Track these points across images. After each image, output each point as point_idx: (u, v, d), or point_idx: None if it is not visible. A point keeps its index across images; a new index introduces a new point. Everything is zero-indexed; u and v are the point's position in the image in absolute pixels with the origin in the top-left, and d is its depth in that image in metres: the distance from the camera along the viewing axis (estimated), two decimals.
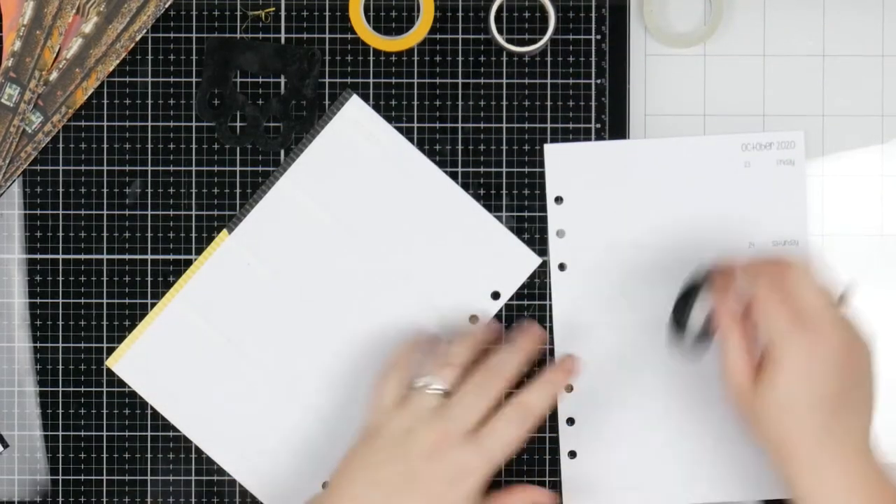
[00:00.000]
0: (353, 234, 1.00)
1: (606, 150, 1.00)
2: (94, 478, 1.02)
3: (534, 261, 1.01)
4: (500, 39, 1.00)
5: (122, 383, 1.01)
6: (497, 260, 1.01)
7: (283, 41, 1.01)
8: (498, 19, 1.01)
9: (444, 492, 0.90)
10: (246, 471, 1.00)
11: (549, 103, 1.01)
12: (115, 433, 1.01)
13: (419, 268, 1.00)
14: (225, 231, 1.01)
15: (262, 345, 1.00)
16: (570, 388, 1.00)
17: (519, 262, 1.01)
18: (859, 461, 0.89)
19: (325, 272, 1.00)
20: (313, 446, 1.01)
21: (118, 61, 1.01)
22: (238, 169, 1.01)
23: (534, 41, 1.01)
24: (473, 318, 1.00)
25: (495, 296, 1.01)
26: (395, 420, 0.92)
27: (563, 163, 1.00)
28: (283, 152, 1.01)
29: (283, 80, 1.01)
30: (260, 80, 1.01)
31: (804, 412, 0.89)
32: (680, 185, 1.00)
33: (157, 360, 1.01)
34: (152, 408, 1.01)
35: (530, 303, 1.01)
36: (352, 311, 1.00)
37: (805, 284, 0.90)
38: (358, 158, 1.01)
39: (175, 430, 1.01)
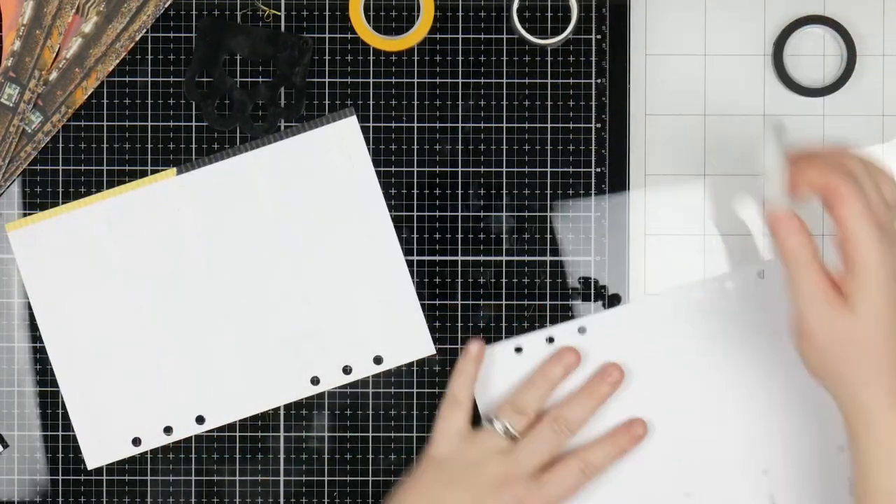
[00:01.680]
0: (281, 234, 1.00)
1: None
2: (94, 478, 1.01)
3: (428, 349, 1.01)
4: (523, 31, 1.00)
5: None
6: (395, 331, 1.01)
7: None
8: (504, 18, 1.01)
9: None
10: (80, 395, 1.01)
11: (549, 103, 1.01)
12: None
13: (318, 304, 1.01)
14: (173, 170, 1.01)
15: (146, 288, 1.00)
16: None
17: (414, 343, 1.01)
18: None
19: (238, 254, 1.01)
20: (158, 390, 1.01)
21: (118, 61, 1.01)
22: None
23: (552, 35, 1.01)
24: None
25: (377, 360, 1.01)
26: (465, 451, 0.98)
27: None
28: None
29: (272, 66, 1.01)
30: (250, 65, 1.01)
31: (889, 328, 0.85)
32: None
33: (50, 248, 1.00)
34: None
35: None
36: (238, 301, 1.01)
37: (867, 179, 0.86)
38: (325, 171, 1.01)
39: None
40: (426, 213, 1.02)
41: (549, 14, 1.01)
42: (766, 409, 1.00)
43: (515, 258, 1.02)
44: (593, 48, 1.02)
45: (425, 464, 0.98)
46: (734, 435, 1.00)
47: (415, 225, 1.02)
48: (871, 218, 0.86)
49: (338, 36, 1.02)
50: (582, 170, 1.02)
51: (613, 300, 1.02)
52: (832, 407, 0.89)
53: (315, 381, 1.01)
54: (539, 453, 0.97)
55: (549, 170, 1.02)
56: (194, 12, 1.01)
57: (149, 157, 1.01)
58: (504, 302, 1.02)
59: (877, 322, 0.85)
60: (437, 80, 1.02)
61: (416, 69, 1.02)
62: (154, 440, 1.01)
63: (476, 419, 1.00)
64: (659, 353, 1.01)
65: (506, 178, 1.02)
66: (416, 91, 1.02)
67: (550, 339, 1.01)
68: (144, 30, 1.01)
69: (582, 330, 1.01)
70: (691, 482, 1.00)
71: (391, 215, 1.01)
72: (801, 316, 0.87)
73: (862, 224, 0.85)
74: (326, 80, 1.02)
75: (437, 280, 1.02)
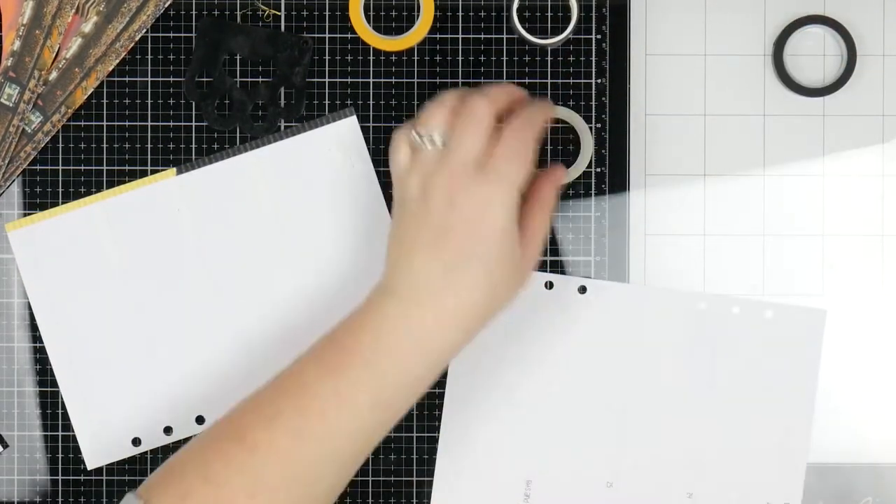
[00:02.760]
0: (281, 234, 1.00)
1: None
2: (93, 478, 1.01)
3: None
4: (523, 31, 1.00)
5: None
6: None
7: None
8: (504, 18, 1.01)
9: (479, 229, 0.88)
10: (80, 395, 1.01)
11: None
12: None
13: (318, 304, 1.01)
14: (173, 170, 1.01)
15: (146, 288, 1.00)
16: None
17: None
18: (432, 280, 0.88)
19: (238, 254, 1.01)
20: (161, 390, 1.01)
21: (118, 61, 1.01)
22: None
23: (552, 35, 1.01)
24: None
25: None
26: (409, 183, 0.91)
27: None
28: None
29: (272, 66, 1.01)
30: (250, 65, 1.01)
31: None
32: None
33: (50, 248, 1.00)
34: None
35: None
36: (237, 301, 1.01)
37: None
38: (325, 171, 1.01)
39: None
40: None
41: (549, 14, 1.01)
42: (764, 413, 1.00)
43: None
44: (593, 48, 1.02)
45: (396, 211, 0.92)
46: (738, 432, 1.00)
47: None
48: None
49: (338, 36, 1.02)
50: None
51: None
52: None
53: None
54: (469, 142, 0.89)
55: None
56: (194, 12, 1.01)
57: (149, 157, 1.01)
58: None
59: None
60: (437, 80, 1.02)
61: (416, 69, 1.02)
62: (154, 440, 1.01)
63: None
64: (654, 341, 1.01)
65: None
66: (416, 91, 1.02)
67: (549, 285, 1.01)
68: (144, 30, 1.01)
69: (582, 289, 1.01)
70: (693, 482, 1.00)
71: (391, 216, 1.01)
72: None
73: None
74: (326, 80, 1.02)
75: None
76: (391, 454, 1.02)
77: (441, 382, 1.01)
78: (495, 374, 1.01)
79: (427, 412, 1.02)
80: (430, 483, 1.02)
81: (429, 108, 0.92)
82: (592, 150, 1.01)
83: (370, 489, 1.02)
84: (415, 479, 1.02)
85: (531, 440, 1.01)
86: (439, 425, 1.01)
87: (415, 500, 1.02)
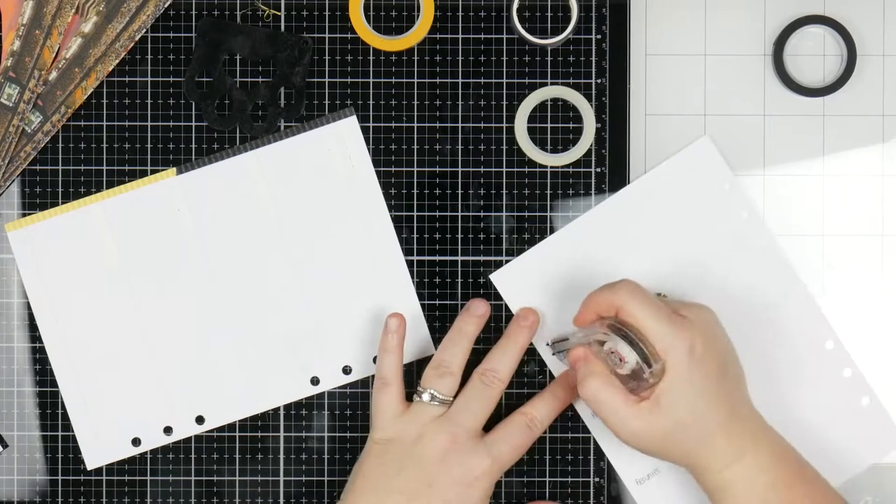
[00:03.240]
0: (281, 234, 1.01)
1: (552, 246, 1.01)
2: (93, 478, 1.02)
3: (428, 349, 1.01)
4: (523, 31, 1.00)
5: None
6: None
7: None
8: (504, 18, 1.01)
9: (461, 492, 0.94)
10: (79, 395, 1.00)
11: (549, 103, 1.01)
12: None
13: (318, 303, 1.01)
14: (173, 170, 1.01)
15: (146, 287, 1.00)
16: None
17: (414, 342, 1.01)
18: (756, 421, 0.92)
19: (238, 254, 1.01)
20: (157, 388, 1.01)
21: (117, 61, 1.01)
22: None
23: (552, 35, 1.01)
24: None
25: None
26: (404, 430, 0.96)
27: (518, 282, 1.01)
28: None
29: (272, 66, 1.01)
30: (250, 65, 1.01)
31: (705, 401, 0.90)
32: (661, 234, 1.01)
33: (50, 248, 1.00)
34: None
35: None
36: (237, 301, 1.01)
37: (637, 304, 0.91)
38: (325, 171, 1.01)
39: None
40: (426, 213, 1.02)
41: (549, 14, 1.01)
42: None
43: (515, 258, 1.02)
44: (593, 48, 1.02)
45: (370, 450, 0.97)
46: None
47: (415, 225, 1.02)
48: (654, 305, 0.91)
49: (338, 36, 1.02)
50: (582, 170, 1.02)
51: None
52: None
53: (315, 381, 1.01)
54: (475, 410, 0.96)
55: (549, 170, 1.02)
56: (194, 12, 1.01)
57: (149, 157, 1.01)
58: (504, 302, 1.02)
59: (678, 405, 0.90)
60: (437, 80, 1.02)
61: (416, 69, 1.02)
62: (154, 440, 1.01)
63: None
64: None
65: (506, 178, 1.02)
66: (416, 91, 1.02)
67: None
68: (144, 30, 1.01)
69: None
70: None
71: (391, 215, 1.01)
72: (615, 430, 0.92)
73: (646, 314, 0.91)
74: (326, 80, 1.02)
75: (437, 280, 1.02)
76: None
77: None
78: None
79: None
80: None
81: (445, 353, 0.97)
82: (594, 129, 1.01)
83: None
84: None
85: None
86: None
87: None
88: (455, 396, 0.97)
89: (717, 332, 0.93)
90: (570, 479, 1.01)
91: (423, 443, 0.95)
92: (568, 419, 1.01)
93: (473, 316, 0.99)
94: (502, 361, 0.98)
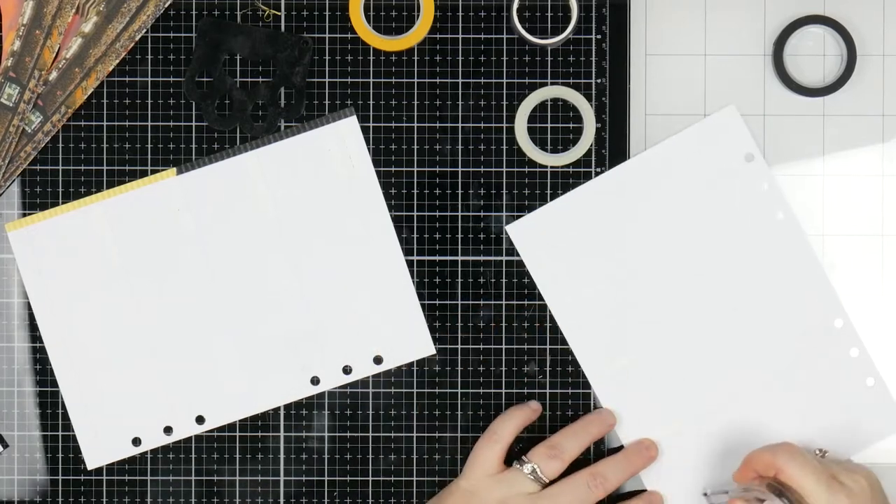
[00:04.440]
0: (281, 234, 1.01)
1: (568, 203, 1.01)
2: (94, 478, 1.02)
3: (428, 349, 1.01)
4: (523, 31, 1.00)
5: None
6: (395, 331, 1.01)
7: None
8: (504, 18, 1.02)
9: None
10: (80, 395, 1.00)
11: (549, 103, 1.01)
12: None
13: (318, 304, 1.01)
14: (173, 170, 1.01)
15: (146, 288, 1.00)
16: None
17: (414, 343, 1.01)
18: None
19: (238, 254, 1.01)
20: (155, 391, 1.01)
21: (118, 61, 1.01)
22: None
23: (552, 35, 1.01)
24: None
25: (377, 360, 1.01)
26: (492, 488, 0.97)
27: (534, 236, 1.01)
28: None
29: (272, 66, 1.01)
30: (250, 65, 1.01)
31: None
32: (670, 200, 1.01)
33: (50, 248, 1.00)
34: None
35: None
36: (237, 301, 1.01)
37: (797, 466, 0.92)
38: (325, 171, 1.01)
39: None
40: (426, 213, 1.02)
41: (549, 14, 1.01)
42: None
43: (515, 258, 1.02)
44: (593, 48, 1.02)
45: (451, 493, 0.98)
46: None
47: (415, 225, 1.02)
48: (814, 469, 0.92)
49: (338, 36, 1.02)
50: (582, 170, 1.02)
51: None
52: None
53: (315, 381, 1.01)
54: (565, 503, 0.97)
55: (549, 170, 1.02)
56: (194, 12, 1.01)
57: (149, 157, 1.01)
58: (504, 302, 1.02)
59: None
60: (437, 80, 1.02)
61: (416, 69, 1.02)
62: (154, 440, 1.01)
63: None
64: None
65: (506, 178, 1.02)
66: (416, 91, 1.02)
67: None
68: (144, 30, 1.01)
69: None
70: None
71: (391, 215, 1.01)
72: None
73: (806, 475, 0.92)
74: (326, 80, 1.02)
75: (437, 280, 1.02)
76: (391, 454, 1.02)
77: (437, 383, 1.01)
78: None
79: (427, 412, 1.02)
80: (431, 483, 1.02)
81: (563, 440, 0.98)
82: (594, 129, 1.01)
83: (370, 489, 1.02)
84: (415, 479, 1.02)
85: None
86: (438, 425, 1.02)
87: (415, 500, 1.02)
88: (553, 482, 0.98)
89: (876, 501, 0.93)
90: None
91: None
92: None
93: (604, 423, 1.00)
94: (614, 472, 0.98)
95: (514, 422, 0.99)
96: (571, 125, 1.02)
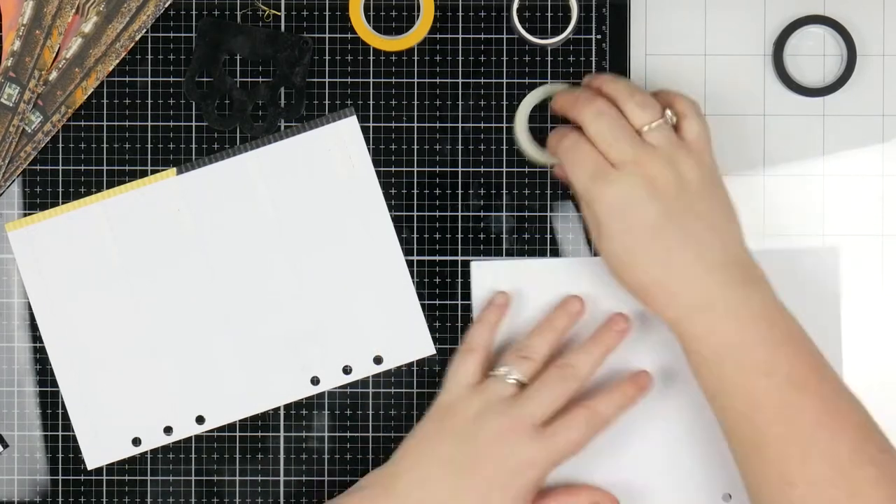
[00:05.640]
0: (281, 234, 1.00)
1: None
2: (94, 478, 1.02)
3: (428, 349, 1.01)
4: (523, 31, 1.00)
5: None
6: (395, 331, 1.01)
7: None
8: (504, 18, 1.02)
9: (505, 480, 0.93)
10: (79, 395, 1.00)
11: (549, 103, 1.01)
12: None
13: (318, 304, 1.01)
14: (173, 170, 1.01)
15: (146, 287, 1.00)
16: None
17: (414, 343, 1.01)
18: (730, 268, 0.91)
19: (238, 254, 1.01)
20: (158, 391, 1.01)
21: (118, 61, 1.01)
22: None
23: (552, 35, 1.01)
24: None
25: (377, 360, 1.01)
26: (468, 402, 0.95)
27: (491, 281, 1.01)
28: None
29: (272, 66, 1.01)
30: (250, 65, 1.01)
31: (637, 254, 0.90)
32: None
33: (50, 248, 1.00)
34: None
35: None
36: (237, 301, 1.01)
37: (601, 125, 0.92)
38: (325, 171, 1.01)
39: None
40: (426, 213, 1.02)
41: (549, 14, 1.01)
42: None
43: (515, 258, 1.02)
44: (593, 48, 1.02)
45: (431, 412, 0.97)
46: None
47: (415, 225, 1.02)
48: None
49: (338, 36, 1.02)
50: None
51: None
52: None
53: (315, 381, 1.01)
54: (545, 401, 0.94)
55: (549, 170, 1.02)
56: (194, 12, 1.01)
57: (149, 157, 1.01)
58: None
59: (617, 260, 0.92)
60: (437, 80, 1.02)
61: (416, 69, 1.02)
62: (154, 440, 1.01)
63: None
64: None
65: (506, 178, 1.02)
66: (416, 91, 1.02)
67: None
68: (144, 30, 1.01)
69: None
70: (732, 483, 1.00)
71: (391, 215, 1.01)
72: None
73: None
74: (326, 80, 1.02)
75: (437, 280, 1.02)
76: (391, 454, 1.02)
77: (437, 383, 1.01)
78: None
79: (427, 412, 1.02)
80: None
81: (532, 340, 0.97)
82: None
83: None
84: None
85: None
86: None
87: None
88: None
89: (675, 167, 0.92)
90: None
91: (483, 419, 0.94)
92: None
93: (568, 313, 0.98)
94: (583, 360, 0.96)
95: (485, 326, 0.98)
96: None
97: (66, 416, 1.01)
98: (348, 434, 1.02)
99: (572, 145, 0.93)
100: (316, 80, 1.02)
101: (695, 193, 0.91)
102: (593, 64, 1.01)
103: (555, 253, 1.02)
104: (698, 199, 0.91)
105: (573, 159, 0.92)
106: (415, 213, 1.02)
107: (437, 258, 1.02)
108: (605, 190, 0.90)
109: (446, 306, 1.02)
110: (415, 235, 1.02)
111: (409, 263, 1.01)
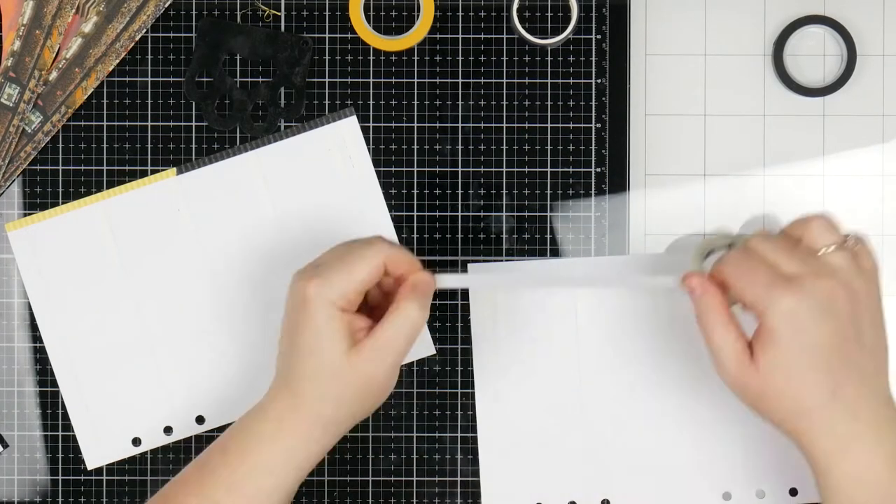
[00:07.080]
0: (281, 234, 1.01)
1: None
2: (94, 478, 1.02)
3: (428, 349, 1.01)
4: (523, 31, 1.00)
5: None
6: None
7: None
8: (504, 18, 1.02)
9: (297, 318, 0.89)
10: (79, 395, 1.00)
11: (549, 103, 1.01)
12: None
13: None
14: (173, 170, 1.01)
15: (146, 288, 1.00)
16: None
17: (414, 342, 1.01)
18: (882, 409, 0.87)
19: (238, 254, 1.01)
20: (151, 391, 1.01)
21: (118, 61, 1.01)
22: None
23: (552, 35, 1.01)
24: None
25: None
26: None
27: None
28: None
29: (272, 66, 1.01)
30: (250, 65, 1.01)
31: (807, 374, 0.85)
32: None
33: (50, 248, 1.00)
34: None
35: None
36: (237, 301, 1.01)
37: (772, 244, 0.87)
38: (325, 171, 1.01)
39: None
40: (426, 213, 1.02)
41: (549, 14, 1.01)
42: None
43: (515, 258, 1.02)
44: (593, 48, 1.02)
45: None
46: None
47: (415, 225, 1.02)
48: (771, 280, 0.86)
49: (338, 36, 1.02)
50: (582, 170, 1.02)
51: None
52: None
53: None
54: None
55: (549, 170, 1.02)
56: (194, 12, 1.01)
57: (149, 157, 1.01)
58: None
59: (783, 375, 0.86)
60: (437, 80, 1.02)
61: (416, 69, 1.02)
62: (154, 440, 1.01)
63: None
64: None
65: (506, 178, 1.02)
66: (416, 91, 1.02)
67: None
68: (144, 30, 1.01)
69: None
70: (729, 482, 1.00)
71: (391, 215, 1.01)
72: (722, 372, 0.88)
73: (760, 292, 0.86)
74: (326, 80, 1.02)
75: None
76: (391, 454, 1.02)
77: (437, 383, 1.01)
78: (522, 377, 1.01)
79: (427, 412, 1.02)
80: (430, 483, 1.02)
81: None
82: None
83: (370, 489, 1.02)
84: (415, 479, 1.02)
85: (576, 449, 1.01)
86: (438, 425, 1.02)
87: (415, 500, 1.02)
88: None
89: (853, 295, 0.87)
90: None
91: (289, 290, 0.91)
92: None
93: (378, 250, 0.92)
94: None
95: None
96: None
97: (66, 416, 1.01)
98: (348, 434, 1.02)
99: (743, 257, 0.88)
100: (316, 80, 1.02)
101: (867, 322, 0.87)
102: (593, 64, 1.01)
103: (555, 253, 1.02)
104: (869, 328, 0.88)
105: (746, 268, 0.87)
106: (415, 213, 1.02)
107: (437, 258, 1.02)
108: (784, 296, 0.85)
109: (446, 306, 1.02)
110: (415, 235, 1.02)
111: None
